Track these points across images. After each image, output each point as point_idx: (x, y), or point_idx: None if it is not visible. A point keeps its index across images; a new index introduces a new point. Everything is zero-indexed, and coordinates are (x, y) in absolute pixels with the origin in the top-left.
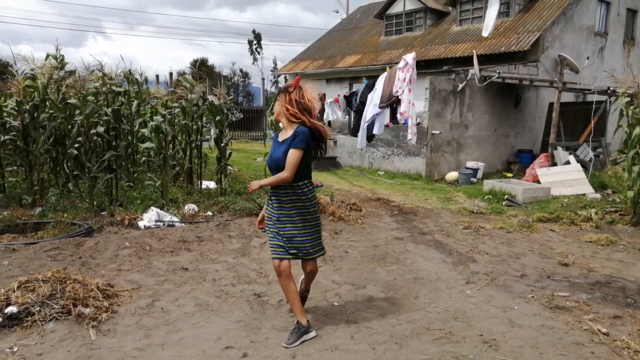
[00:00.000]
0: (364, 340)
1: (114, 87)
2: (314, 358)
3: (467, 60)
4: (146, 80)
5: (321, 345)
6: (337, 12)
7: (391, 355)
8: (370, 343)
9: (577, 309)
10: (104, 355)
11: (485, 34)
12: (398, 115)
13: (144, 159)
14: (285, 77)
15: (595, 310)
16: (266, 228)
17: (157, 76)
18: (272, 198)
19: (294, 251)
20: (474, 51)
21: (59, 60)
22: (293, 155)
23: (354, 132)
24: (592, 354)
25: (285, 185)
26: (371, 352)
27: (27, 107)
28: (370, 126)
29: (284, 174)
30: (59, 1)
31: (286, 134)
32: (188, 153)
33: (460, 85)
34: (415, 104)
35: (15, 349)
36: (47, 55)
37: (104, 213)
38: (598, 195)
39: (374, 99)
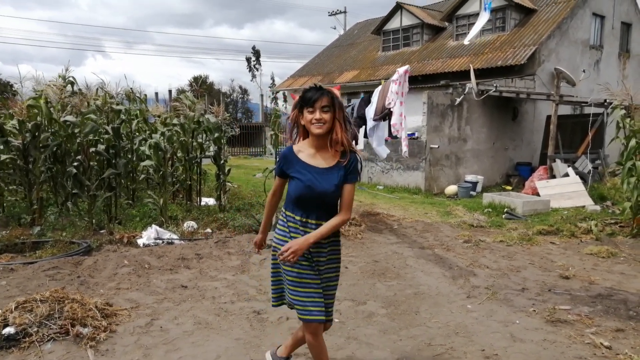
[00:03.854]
0: (365, 357)
1: (113, 106)
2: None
3: (464, 75)
4: (146, 98)
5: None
6: (335, 28)
7: None
8: None
9: (579, 323)
10: None
11: (466, 42)
12: (391, 128)
13: (143, 176)
14: (284, 93)
15: (597, 324)
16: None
17: (157, 94)
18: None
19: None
20: (470, 65)
21: (67, 80)
22: (353, 191)
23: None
24: None
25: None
26: None
27: (29, 126)
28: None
29: (344, 217)
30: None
31: (327, 158)
32: (187, 170)
33: (458, 99)
34: (406, 116)
35: None
36: (59, 76)
37: (103, 231)
38: (597, 207)
39: (369, 112)
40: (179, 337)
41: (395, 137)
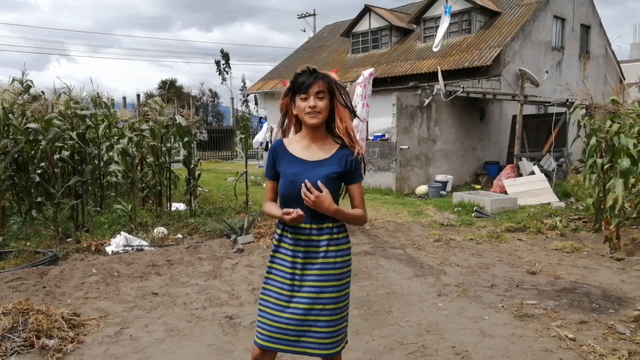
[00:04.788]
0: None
1: (78, 111)
2: None
3: (432, 76)
4: (112, 103)
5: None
6: (304, 31)
7: None
8: None
9: (545, 316)
10: None
11: (435, 49)
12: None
13: (112, 179)
14: (255, 96)
15: (563, 317)
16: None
17: (124, 98)
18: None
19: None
20: (438, 67)
21: (24, 84)
22: (362, 191)
23: None
24: None
25: (314, 228)
26: None
27: None
28: None
29: (364, 214)
30: (21, 25)
31: (322, 151)
32: (157, 175)
33: (427, 101)
34: (377, 118)
35: None
36: (13, 79)
37: (69, 240)
38: (562, 204)
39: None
40: (149, 345)
41: (367, 139)
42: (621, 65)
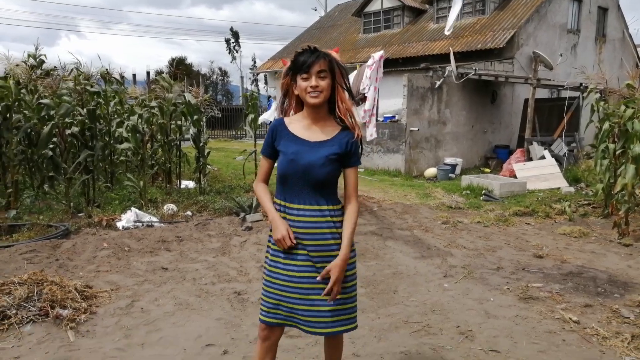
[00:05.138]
0: (344, 334)
1: (88, 87)
2: (295, 353)
3: (444, 58)
4: (123, 79)
5: (302, 341)
6: (316, 9)
7: (370, 349)
8: (350, 337)
9: (550, 299)
10: (83, 356)
11: (447, 32)
12: (362, 112)
13: (122, 158)
14: (265, 75)
15: (567, 300)
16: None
17: (134, 75)
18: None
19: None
20: (450, 48)
21: (37, 59)
22: (356, 176)
23: None
24: (564, 342)
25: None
26: (351, 346)
27: None
28: None
29: (355, 204)
30: None
31: (323, 132)
32: (166, 152)
33: (438, 83)
34: (387, 99)
35: None
36: (28, 56)
37: (81, 215)
38: (572, 189)
39: (353, 98)
40: (159, 318)
41: (377, 121)
42: (638, 49)
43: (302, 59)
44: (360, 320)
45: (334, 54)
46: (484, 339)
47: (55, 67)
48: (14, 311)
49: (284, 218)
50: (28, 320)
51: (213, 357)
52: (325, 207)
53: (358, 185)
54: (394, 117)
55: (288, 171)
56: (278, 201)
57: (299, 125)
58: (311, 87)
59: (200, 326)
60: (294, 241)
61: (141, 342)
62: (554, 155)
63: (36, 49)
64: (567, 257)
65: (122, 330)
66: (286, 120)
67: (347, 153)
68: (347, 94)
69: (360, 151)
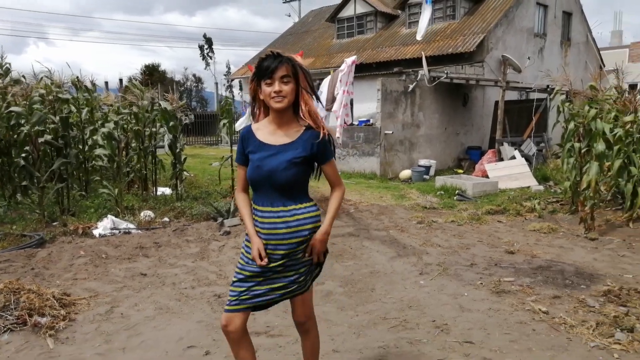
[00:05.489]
0: (324, 332)
1: (60, 95)
2: (276, 352)
3: (417, 62)
4: (95, 87)
5: (283, 340)
6: (289, 15)
7: (350, 345)
8: (329, 334)
9: (521, 292)
10: None
11: (418, 37)
12: (331, 113)
13: (97, 164)
14: (240, 81)
15: (537, 292)
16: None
17: (107, 82)
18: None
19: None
20: (422, 53)
21: (3, 68)
22: (334, 168)
23: None
24: (534, 331)
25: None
26: (330, 343)
27: None
28: None
29: (340, 189)
30: None
31: (288, 135)
32: (142, 159)
33: (411, 86)
34: (361, 103)
35: None
36: None
37: (55, 223)
38: (541, 187)
39: (321, 102)
40: (140, 323)
41: (352, 124)
42: (601, 52)
43: (265, 64)
44: (339, 318)
45: (298, 58)
46: (459, 332)
47: (23, 75)
48: None
49: (255, 221)
50: (5, 329)
51: (195, 358)
52: (293, 206)
53: (339, 173)
54: (368, 120)
55: (255, 177)
56: (253, 205)
57: (265, 131)
58: (275, 92)
59: (181, 329)
60: (265, 261)
61: (122, 347)
62: (523, 155)
63: (1, 57)
64: (537, 252)
65: (102, 335)
66: (254, 127)
67: (316, 153)
68: (312, 98)
69: (332, 147)
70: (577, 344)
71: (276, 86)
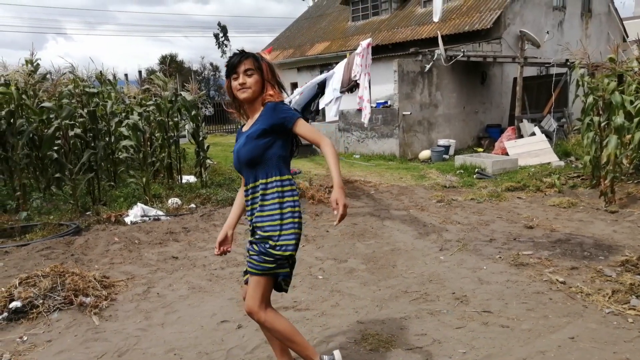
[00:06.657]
0: (348, 305)
1: (87, 89)
2: (303, 324)
3: (433, 41)
4: (116, 79)
5: (310, 313)
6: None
7: (373, 316)
8: (354, 307)
9: (539, 264)
10: (109, 337)
11: (435, 19)
12: (357, 99)
13: (123, 155)
14: None
15: (555, 264)
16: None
17: (126, 75)
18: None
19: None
20: (438, 32)
21: (34, 64)
22: (306, 126)
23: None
24: (550, 300)
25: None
26: (355, 315)
27: (3, 113)
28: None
29: (326, 142)
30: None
31: (252, 120)
32: (166, 149)
33: (428, 66)
34: (379, 85)
35: (25, 338)
36: (26, 61)
37: (88, 213)
38: (562, 163)
39: (333, 83)
40: (175, 301)
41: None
42: (625, 22)
43: (230, 61)
44: (362, 292)
45: (264, 54)
46: (478, 302)
47: (49, 71)
48: (41, 301)
49: (247, 200)
50: (55, 308)
51: (228, 331)
52: (262, 180)
53: (314, 130)
54: (386, 102)
55: (235, 164)
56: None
57: (246, 125)
58: (239, 84)
59: (214, 306)
60: (216, 252)
61: (161, 322)
62: (544, 131)
63: (32, 54)
64: (556, 226)
65: (142, 313)
66: (243, 122)
67: (277, 124)
68: (277, 88)
69: (286, 110)
70: (592, 310)
71: (240, 78)
